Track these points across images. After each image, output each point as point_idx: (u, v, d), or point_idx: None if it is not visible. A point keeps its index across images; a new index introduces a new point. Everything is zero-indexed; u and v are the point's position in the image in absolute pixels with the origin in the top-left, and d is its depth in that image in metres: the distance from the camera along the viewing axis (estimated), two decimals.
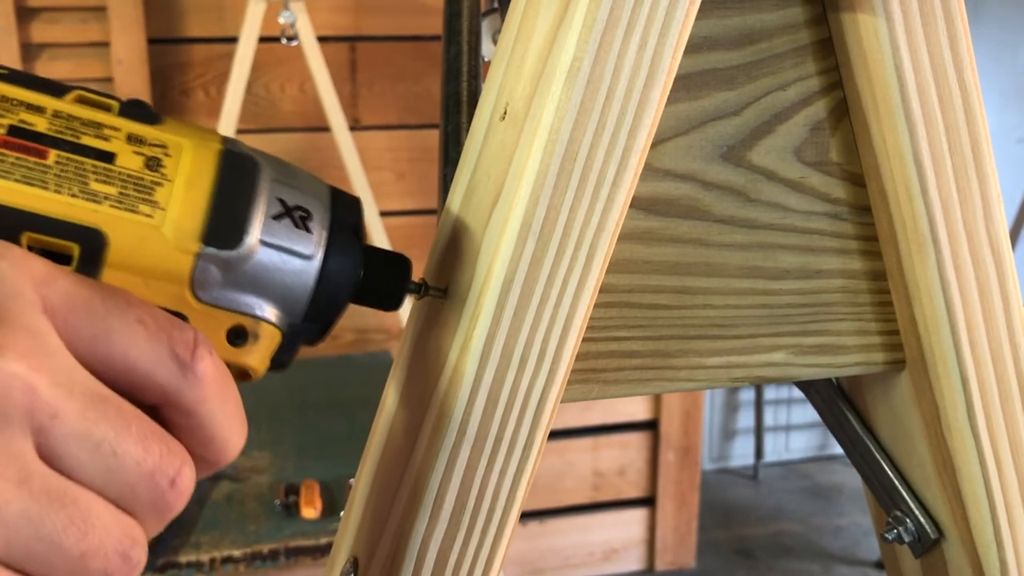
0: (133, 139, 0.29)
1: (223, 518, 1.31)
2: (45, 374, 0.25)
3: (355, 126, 1.87)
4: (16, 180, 0.27)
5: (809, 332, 0.41)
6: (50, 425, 0.25)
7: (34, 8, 1.70)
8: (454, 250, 0.37)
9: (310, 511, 1.30)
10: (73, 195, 0.28)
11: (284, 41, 1.59)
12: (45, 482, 0.25)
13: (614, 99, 0.33)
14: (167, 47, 1.81)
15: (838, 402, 0.47)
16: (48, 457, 0.25)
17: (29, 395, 0.25)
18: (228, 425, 0.28)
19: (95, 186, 0.28)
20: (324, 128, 1.69)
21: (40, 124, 0.28)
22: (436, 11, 0.66)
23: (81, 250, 0.28)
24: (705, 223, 0.38)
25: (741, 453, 2.91)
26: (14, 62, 1.68)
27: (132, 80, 1.75)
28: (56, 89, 0.29)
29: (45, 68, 1.73)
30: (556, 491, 2.21)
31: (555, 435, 2.16)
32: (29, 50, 1.71)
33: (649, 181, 0.37)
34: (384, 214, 1.76)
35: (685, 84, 0.37)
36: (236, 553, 1.25)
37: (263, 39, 1.59)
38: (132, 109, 0.30)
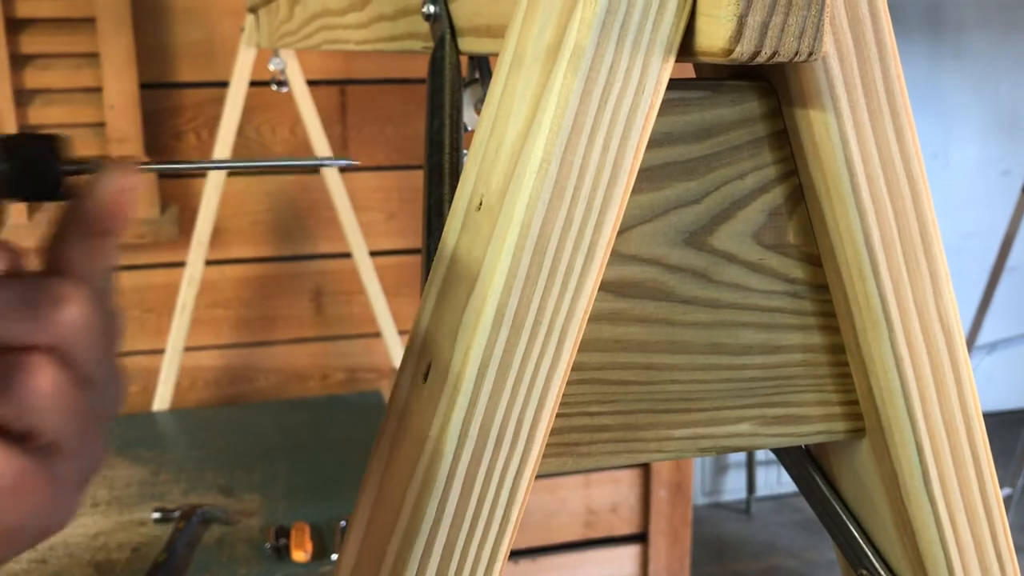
0: None
1: (213, 561, 1.31)
2: None
3: (345, 167, 1.90)
4: None
5: (773, 404, 0.43)
6: None
7: (28, 55, 1.73)
8: (434, 332, 0.39)
9: (300, 554, 1.31)
10: None
11: (275, 87, 1.62)
12: None
13: (580, 196, 0.35)
14: (159, 92, 1.84)
15: (806, 465, 0.49)
16: None
17: None
18: None
19: None
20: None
21: None
22: (423, 54, 0.68)
23: None
24: (670, 303, 0.41)
25: (733, 487, 2.92)
26: (7, 108, 1.70)
27: (124, 124, 1.77)
28: None
29: (38, 114, 1.75)
30: (548, 528, 2.21)
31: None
32: (22, 96, 1.73)
33: (616, 265, 0.39)
34: (375, 254, 1.78)
35: (648, 176, 0.39)
36: None
37: (254, 83, 1.62)
38: None
